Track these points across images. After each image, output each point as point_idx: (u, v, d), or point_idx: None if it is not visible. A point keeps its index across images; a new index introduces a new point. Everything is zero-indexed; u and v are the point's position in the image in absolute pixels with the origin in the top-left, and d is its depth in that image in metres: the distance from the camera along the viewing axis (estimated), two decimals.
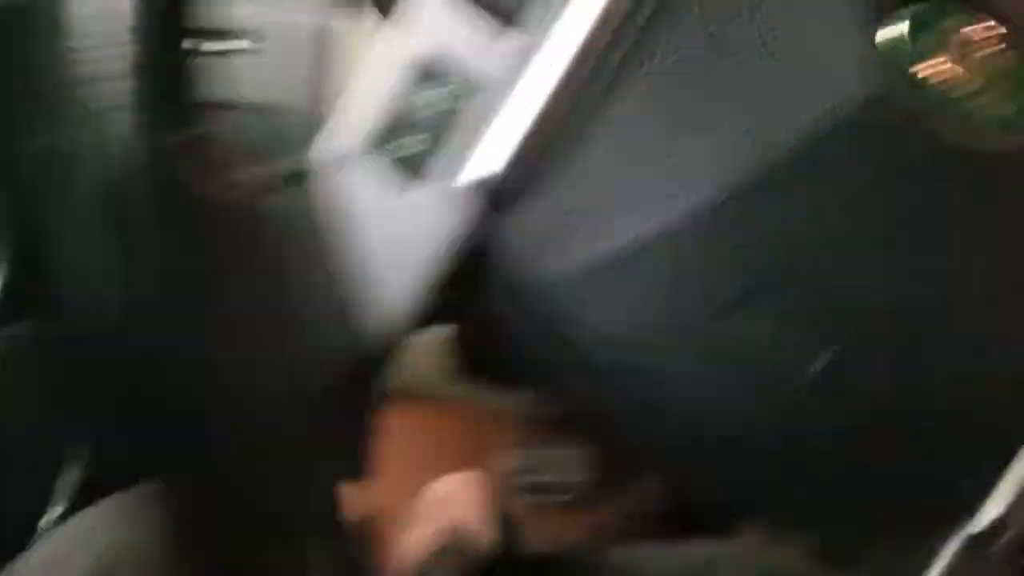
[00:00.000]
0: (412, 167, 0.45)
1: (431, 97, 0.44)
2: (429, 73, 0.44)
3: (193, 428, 0.46)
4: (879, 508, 0.42)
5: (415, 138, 0.44)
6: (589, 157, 0.41)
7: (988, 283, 0.37)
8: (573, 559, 0.49)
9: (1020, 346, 0.39)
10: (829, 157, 0.36)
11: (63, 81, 0.42)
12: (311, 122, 0.48)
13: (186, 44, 0.44)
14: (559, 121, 0.42)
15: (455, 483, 0.54)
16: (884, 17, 0.37)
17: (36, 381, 0.50)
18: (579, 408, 0.49)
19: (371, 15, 0.49)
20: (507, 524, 0.52)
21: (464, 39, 0.43)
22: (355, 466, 0.53)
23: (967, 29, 0.38)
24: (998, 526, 0.41)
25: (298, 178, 0.48)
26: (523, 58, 0.42)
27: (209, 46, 0.46)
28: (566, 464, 0.55)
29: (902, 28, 0.37)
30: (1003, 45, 0.38)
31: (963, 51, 0.37)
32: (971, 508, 0.41)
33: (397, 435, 0.55)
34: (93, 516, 0.48)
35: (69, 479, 0.49)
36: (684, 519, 0.53)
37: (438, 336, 0.55)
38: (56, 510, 0.49)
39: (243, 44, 0.49)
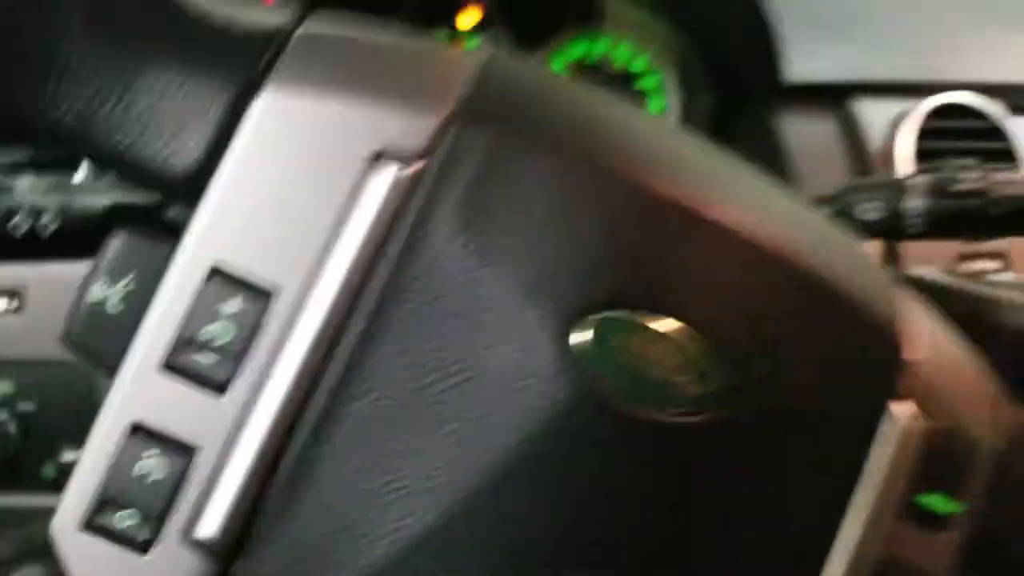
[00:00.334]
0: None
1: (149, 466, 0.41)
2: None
3: None
4: None
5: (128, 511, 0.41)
6: (308, 500, 0.40)
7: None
8: None
9: None
10: (542, 462, 0.37)
11: None
12: None
13: None
14: (272, 471, 0.41)
15: None
16: (575, 323, 0.39)
17: None
18: None
19: None
20: None
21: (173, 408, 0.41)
22: None
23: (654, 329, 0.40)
24: None
25: None
26: (232, 423, 0.41)
27: None
28: None
29: (588, 335, 0.39)
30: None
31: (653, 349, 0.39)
32: None
33: None
34: None
35: None
36: None
37: None
38: None
39: None
